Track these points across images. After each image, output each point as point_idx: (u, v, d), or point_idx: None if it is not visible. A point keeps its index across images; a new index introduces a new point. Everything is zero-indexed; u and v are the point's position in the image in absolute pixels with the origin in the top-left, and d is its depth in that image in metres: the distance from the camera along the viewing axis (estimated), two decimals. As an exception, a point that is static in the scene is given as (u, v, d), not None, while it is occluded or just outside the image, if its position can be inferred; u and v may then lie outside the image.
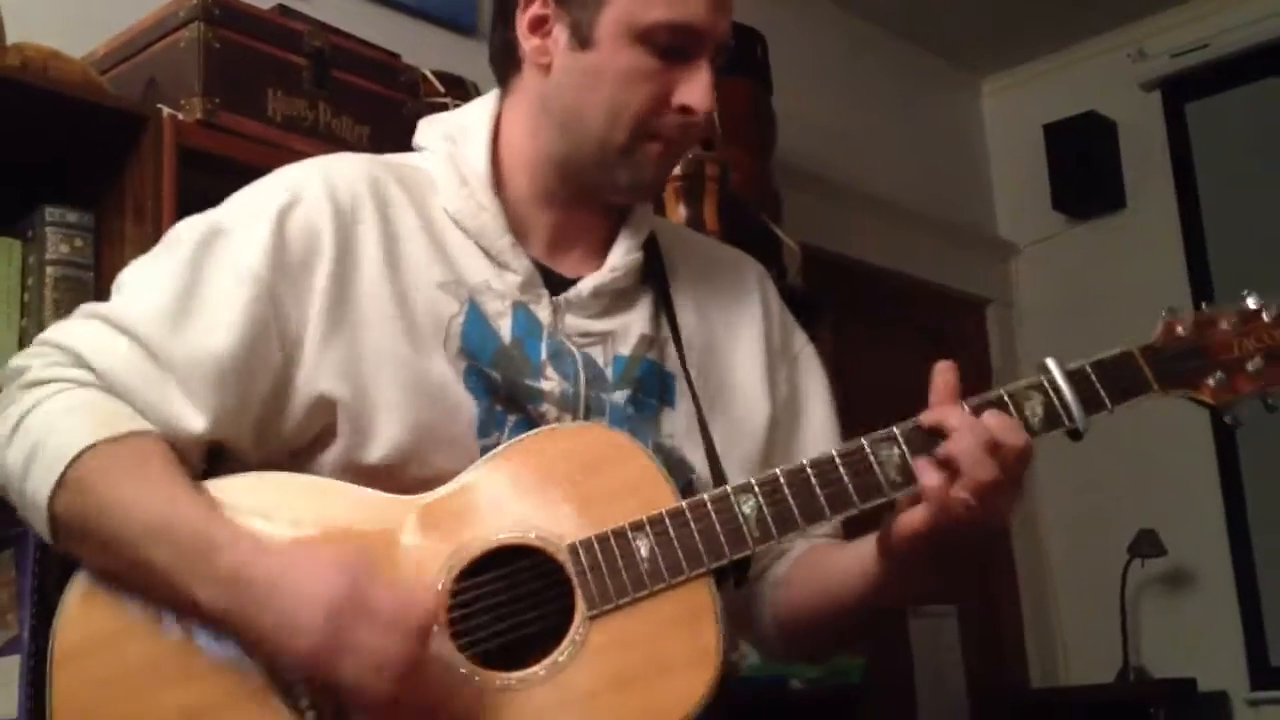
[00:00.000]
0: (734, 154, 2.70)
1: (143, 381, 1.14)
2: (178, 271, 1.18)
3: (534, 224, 1.31)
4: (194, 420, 1.14)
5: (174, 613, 1.09)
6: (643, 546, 1.12)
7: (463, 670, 1.09)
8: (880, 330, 3.82)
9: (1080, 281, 4.29)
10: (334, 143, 1.91)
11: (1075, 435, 1.16)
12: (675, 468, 1.23)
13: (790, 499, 1.14)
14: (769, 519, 1.14)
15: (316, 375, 1.17)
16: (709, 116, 1.27)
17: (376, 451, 1.17)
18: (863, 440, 1.16)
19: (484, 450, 1.19)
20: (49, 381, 1.15)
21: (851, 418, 1.40)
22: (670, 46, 1.22)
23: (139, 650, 1.10)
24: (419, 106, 2.07)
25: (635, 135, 1.24)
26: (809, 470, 1.15)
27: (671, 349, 1.32)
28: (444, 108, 2.04)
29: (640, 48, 1.22)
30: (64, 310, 1.57)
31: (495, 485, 1.16)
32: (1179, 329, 1.20)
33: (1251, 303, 1.20)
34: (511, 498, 1.15)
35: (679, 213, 2.58)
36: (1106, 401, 1.16)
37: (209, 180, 1.52)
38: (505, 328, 1.24)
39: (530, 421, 1.22)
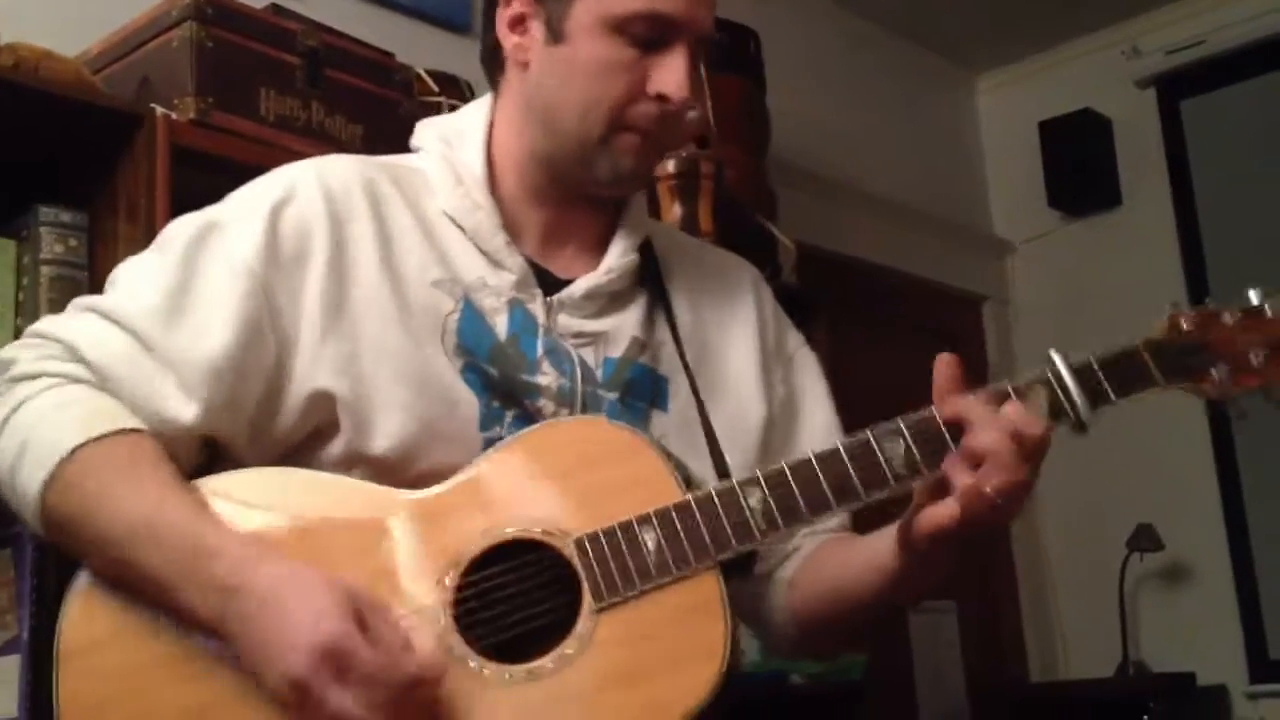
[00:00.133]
0: (729, 152, 2.70)
1: (136, 374, 1.14)
2: (172, 266, 1.19)
3: (526, 223, 1.31)
4: (185, 411, 1.14)
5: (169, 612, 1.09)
6: (649, 539, 1.12)
7: (471, 664, 1.09)
8: (876, 328, 3.82)
9: (1076, 279, 4.29)
10: (327, 142, 1.91)
11: (1080, 428, 1.16)
12: None
13: (796, 492, 1.14)
14: (775, 511, 1.14)
15: (313, 370, 1.18)
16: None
17: (379, 446, 1.17)
18: (868, 432, 1.16)
19: (486, 444, 1.19)
20: (39, 376, 1.15)
21: (848, 415, 1.39)
22: (645, 37, 1.22)
23: (143, 647, 1.10)
24: (413, 106, 2.07)
25: (611, 127, 1.24)
26: (815, 463, 1.15)
27: (665, 352, 1.32)
28: (438, 107, 2.04)
29: (614, 38, 1.22)
30: (59, 310, 1.55)
31: (499, 480, 1.16)
32: (1183, 323, 1.19)
33: (1254, 298, 1.20)
34: (516, 492, 1.16)
35: (674, 211, 2.57)
36: (1111, 395, 1.16)
37: (202, 179, 1.53)
38: (501, 324, 1.25)
39: (528, 416, 1.22)
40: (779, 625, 1.37)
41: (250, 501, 1.13)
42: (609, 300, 1.31)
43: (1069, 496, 4.09)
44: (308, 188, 1.23)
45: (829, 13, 4.03)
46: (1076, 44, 4.41)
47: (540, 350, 1.25)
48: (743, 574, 1.20)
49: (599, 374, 1.27)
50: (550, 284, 1.29)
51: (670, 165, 2.55)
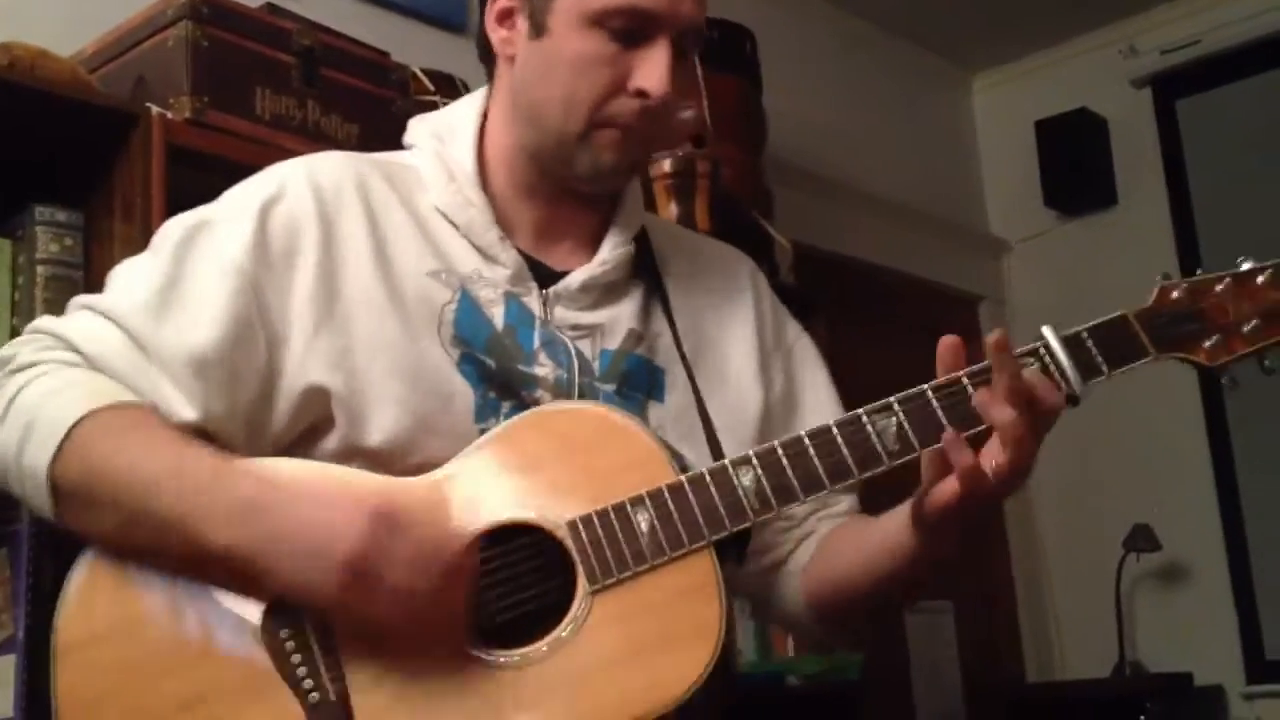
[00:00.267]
0: (725, 151, 2.70)
1: (132, 370, 1.15)
2: (163, 265, 1.19)
3: (519, 218, 1.31)
4: (183, 409, 1.14)
5: (174, 588, 1.10)
6: (643, 521, 1.12)
7: (466, 648, 1.10)
8: (873, 327, 3.82)
9: (1072, 278, 4.29)
10: (323, 141, 1.91)
11: (1072, 401, 1.16)
12: None
13: (789, 470, 1.14)
14: (768, 490, 1.14)
15: (306, 366, 1.18)
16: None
17: (374, 440, 1.17)
18: (860, 411, 1.16)
19: (481, 436, 1.19)
20: (36, 364, 1.15)
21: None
22: (626, 31, 1.21)
23: (140, 640, 1.10)
24: (408, 105, 2.06)
25: (591, 122, 1.23)
26: (807, 441, 1.15)
27: (661, 343, 1.32)
28: (433, 106, 2.03)
29: (594, 33, 1.21)
30: (55, 309, 1.56)
31: (494, 465, 1.16)
32: (1174, 294, 1.19)
33: (1246, 266, 1.20)
34: (510, 477, 1.16)
35: (670, 210, 2.58)
36: (1103, 367, 1.15)
37: (198, 178, 1.52)
38: (498, 315, 1.25)
39: (525, 408, 1.22)
40: (801, 610, 1.36)
41: None
42: (605, 292, 1.31)
43: (1066, 496, 4.10)
44: (297, 185, 1.23)
45: (825, 12, 4.04)
46: (1072, 43, 4.42)
47: (537, 342, 1.25)
48: (739, 559, 1.20)
49: (595, 366, 1.27)
50: (546, 277, 1.29)
51: (667, 164, 2.55)
